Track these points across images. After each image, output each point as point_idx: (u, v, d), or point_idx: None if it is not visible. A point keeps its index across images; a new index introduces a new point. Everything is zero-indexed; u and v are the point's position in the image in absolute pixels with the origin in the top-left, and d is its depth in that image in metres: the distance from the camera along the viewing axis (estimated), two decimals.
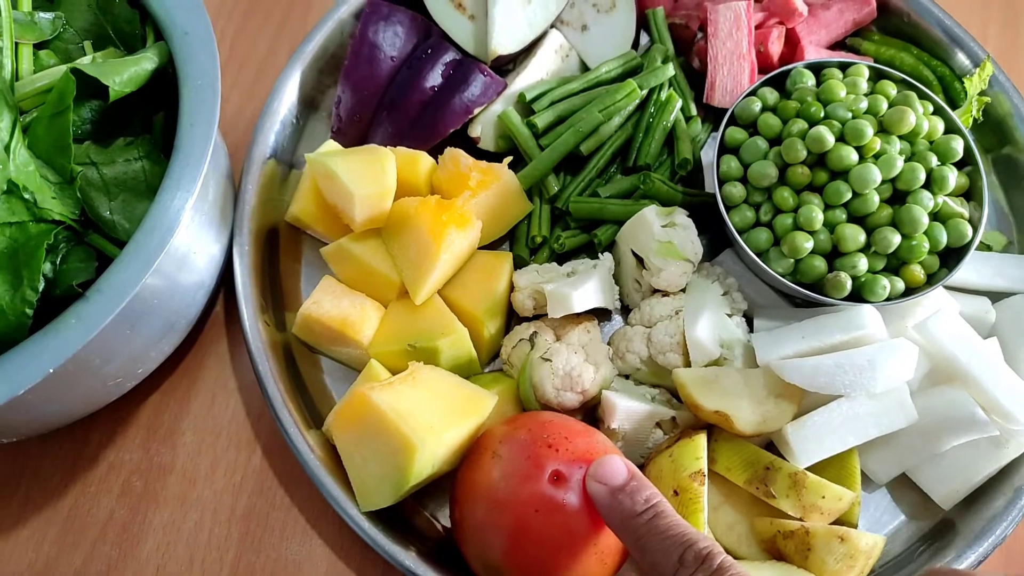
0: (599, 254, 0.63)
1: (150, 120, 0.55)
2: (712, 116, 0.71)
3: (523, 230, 0.66)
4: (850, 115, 0.58)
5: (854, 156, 0.57)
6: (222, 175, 0.59)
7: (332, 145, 0.63)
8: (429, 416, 0.51)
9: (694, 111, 0.69)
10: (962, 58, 0.71)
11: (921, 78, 0.71)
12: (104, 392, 0.55)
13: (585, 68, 0.72)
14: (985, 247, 0.66)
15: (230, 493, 0.58)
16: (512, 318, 0.63)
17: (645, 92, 0.67)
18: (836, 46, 0.75)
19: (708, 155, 0.70)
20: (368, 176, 0.57)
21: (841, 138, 0.57)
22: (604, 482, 0.42)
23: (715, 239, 0.67)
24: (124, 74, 0.50)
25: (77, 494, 0.58)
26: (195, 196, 0.48)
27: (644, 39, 0.74)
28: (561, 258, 0.66)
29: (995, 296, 0.64)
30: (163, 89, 0.53)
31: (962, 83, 0.70)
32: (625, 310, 0.65)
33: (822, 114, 0.58)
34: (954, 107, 0.70)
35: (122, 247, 0.49)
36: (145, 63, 0.51)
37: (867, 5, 0.73)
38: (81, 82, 0.49)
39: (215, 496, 0.58)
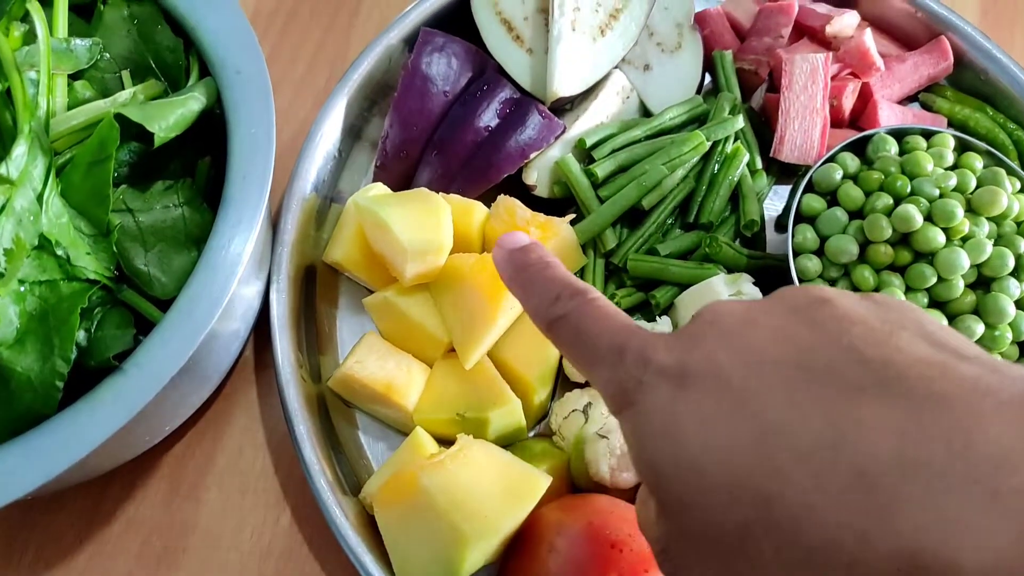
0: (656, 316, 0.60)
1: (191, 163, 0.50)
2: (776, 168, 0.67)
3: None
4: (937, 192, 0.55)
5: (941, 238, 0.53)
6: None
7: (379, 188, 0.59)
8: (482, 504, 0.47)
9: (759, 164, 0.65)
10: None
11: (996, 143, 0.68)
12: (127, 452, 0.51)
13: (645, 110, 0.68)
14: None
15: (256, 558, 0.55)
16: (560, 380, 0.60)
17: (710, 143, 0.63)
18: (907, 100, 0.71)
19: (770, 211, 0.66)
20: (423, 230, 0.53)
21: (928, 217, 0.54)
22: (505, 247, 0.40)
23: None
24: (170, 117, 0.45)
25: (92, 553, 0.54)
26: (246, 259, 0.43)
27: (706, 79, 0.70)
28: None
29: None
30: (207, 130, 0.49)
31: None
32: None
33: (908, 189, 0.55)
34: None
35: (157, 304, 0.46)
36: (192, 103, 0.47)
37: (944, 60, 0.69)
38: (121, 123, 0.44)
39: (241, 560, 0.55)
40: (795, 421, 0.26)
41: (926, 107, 0.71)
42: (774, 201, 0.67)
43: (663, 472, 0.28)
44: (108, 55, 0.50)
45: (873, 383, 0.26)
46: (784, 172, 0.67)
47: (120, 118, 0.43)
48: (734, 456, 0.26)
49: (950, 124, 0.69)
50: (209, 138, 0.50)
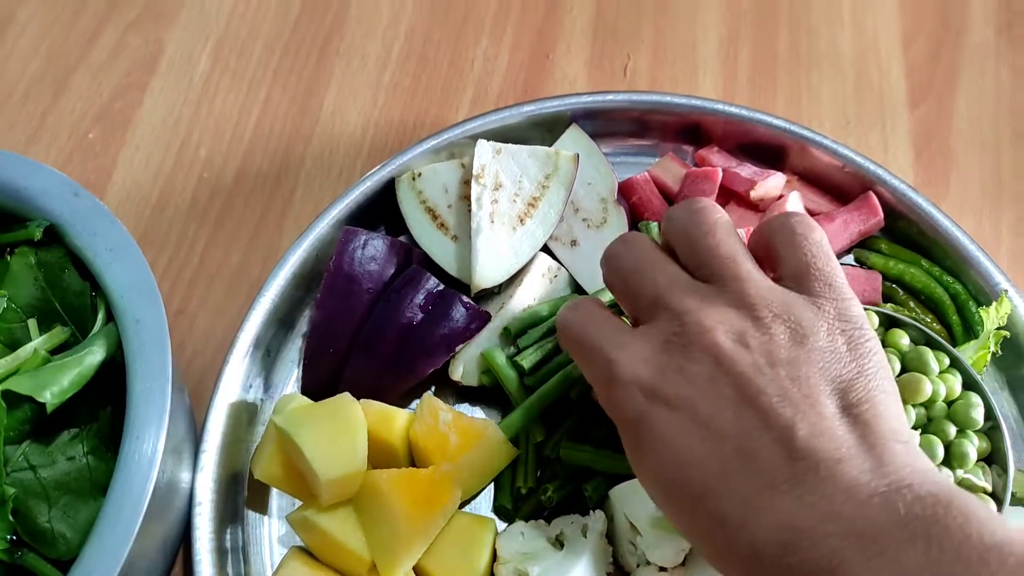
0: (590, 510, 0.58)
1: (99, 404, 0.50)
2: None
3: (507, 477, 0.61)
4: None
5: None
6: (180, 438, 0.55)
7: (299, 400, 0.58)
8: None
9: None
10: (975, 277, 0.67)
11: (933, 298, 0.67)
12: None
13: (575, 284, 0.68)
14: (1016, 500, 0.61)
15: None
16: None
17: None
18: (843, 253, 0.70)
19: None
20: (336, 456, 0.52)
21: None
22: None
23: None
24: (64, 381, 0.45)
25: None
26: (135, 534, 0.43)
27: None
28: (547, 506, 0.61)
29: None
30: (113, 373, 0.49)
31: (978, 303, 0.66)
32: (618, 569, 0.60)
33: None
34: (968, 329, 0.66)
35: (61, 567, 0.45)
36: (90, 358, 0.47)
37: (873, 216, 0.69)
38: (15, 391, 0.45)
39: None
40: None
41: (860, 263, 0.70)
42: None
43: None
44: (15, 306, 0.50)
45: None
46: None
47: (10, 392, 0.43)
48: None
49: (886, 278, 0.69)
50: (117, 380, 0.50)
